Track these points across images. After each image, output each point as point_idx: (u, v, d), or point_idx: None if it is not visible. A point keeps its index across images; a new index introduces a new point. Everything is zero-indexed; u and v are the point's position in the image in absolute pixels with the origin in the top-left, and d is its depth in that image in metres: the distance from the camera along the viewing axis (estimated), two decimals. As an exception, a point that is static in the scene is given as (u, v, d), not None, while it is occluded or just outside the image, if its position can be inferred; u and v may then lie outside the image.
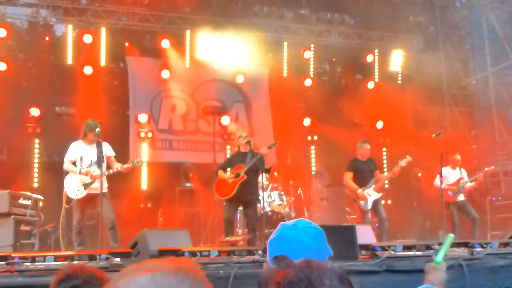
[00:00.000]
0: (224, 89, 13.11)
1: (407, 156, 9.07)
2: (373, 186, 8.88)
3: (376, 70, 13.84)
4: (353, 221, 11.04)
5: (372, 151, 9.48)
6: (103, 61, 11.91)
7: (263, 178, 8.00)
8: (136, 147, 11.53)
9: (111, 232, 7.01)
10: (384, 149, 13.49)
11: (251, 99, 13.31)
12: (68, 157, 7.27)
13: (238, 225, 9.25)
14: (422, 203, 12.95)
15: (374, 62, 13.75)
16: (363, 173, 8.96)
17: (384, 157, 13.36)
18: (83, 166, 7.18)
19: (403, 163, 8.92)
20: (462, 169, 9.87)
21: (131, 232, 7.16)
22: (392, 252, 5.83)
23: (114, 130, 10.75)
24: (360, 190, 8.81)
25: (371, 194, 8.83)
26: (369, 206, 8.79)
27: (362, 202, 8.83)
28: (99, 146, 7.12)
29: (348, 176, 9.02)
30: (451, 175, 9.67)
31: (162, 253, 5.60)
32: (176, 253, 5.52)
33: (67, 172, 7.31)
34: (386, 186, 13.12)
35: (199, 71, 12.87)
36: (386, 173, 9.54)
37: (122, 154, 11.25)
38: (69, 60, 11.63)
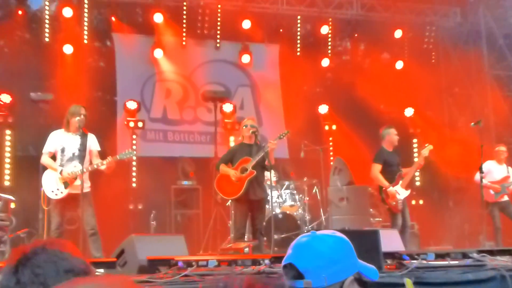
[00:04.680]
0: (227, 71, 13.08)
1: (427, 144, 8.94)
2: (401, 182, 8.75)
3: (406, 48, 13.69)
4: (378, 225, 10.98)
5: (401, 142, 9.38)
6: (86, 39, 11.88)
7: (271, 175, 7.92)
8: (124, 139, 11.51)
9: (92, 239, 7.00)
10: (414, 140, 13.37)
11: (259, 82, 13.28)
12: (47, 149, 7.26)
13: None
14: (460, 204, 12.84)
15: (403, 38, 13.60)
16: (392, 166, 8.83)
17: (415, 150, 13.25)
18: (64, 159, 7.16)
19: (425, 152, 8.82)
20: (510, 167, 9.70)
21: (118, 239, 7.13)
22: (423, 262, 5.78)
23: (99, 120, 10.70)
24: (391, 188, 8.68)
25: (400, 192, 8.71)
26: (400, 206, 8.68)
27: (392, 202, 8.71)
28: (83, 137, 7.10)
29: (377, 168, 8.83)
30: (496, 170, 9.55)
31: (152, 262, 5.59)
32: (168, 262, 5.49)
33: (45, 167, 7.29)
34: (417, 183, 13.07)
35: (198, 50, 12.84)
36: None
37: (109, 148, 11.24)
38: (46, 38, 11.60)
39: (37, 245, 1.63)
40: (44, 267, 1.54)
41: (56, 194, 7.09)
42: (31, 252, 1.58)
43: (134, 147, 11.32)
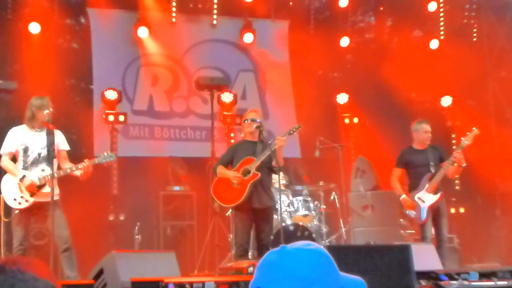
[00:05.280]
0: (226, 53, 13.11)
1: (474, 128, 8.83)
2: (426, 186, 8.70)
3: (442, 24, 13.66)
4: (410, 238, 10.97)
5: (437, 138, 9.35)
6: (56, 16, 11.88)
7: (279, 178, 7.91)
8: (102, 136, 11.54)
9: (65, 256, 7.00)
10: (453, 135, 13.34)
11: (264, 66, 13.30)
12: (7, 148, 7.27)
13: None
14: (508, 212, 12.84)
15: (439, 11, 13.56)
16: (418, 168, 8.82)
17: (453, 146, 13.21)
18: (28, 161, 7.17)
19: (467, 140, 8.65)
20: None
21: (95, 256, 7.16)
22: (464, 282, 5.80)
23: (71, 113, 10.75)
24: (404, 196, 8.71)
25: (424, 199, 8.66)
26: (423, 216, 8.64)
27: (411, 213, 8.70)
28: (49, 134, 7.11)
29: (395, 174, 8.97)
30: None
31: (137, 285, 5.62)
32: (157, 285, 5.53)
33: (4, 171, 7.32)
34: (457, 187, 13.03)
35: (190, 28, 12.84)
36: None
37: (84, 147, 11.29)
38: (9, 14, 11.60)
39: None
40: None
41: (19, 203, 7.08)
42: None
43: (112, 148, 11.32)
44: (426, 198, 8.67)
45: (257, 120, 8.08)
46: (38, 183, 7.07)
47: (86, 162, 7.14)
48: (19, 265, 1.63)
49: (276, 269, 1.75)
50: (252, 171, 7.81)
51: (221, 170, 8.03)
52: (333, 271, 1.82)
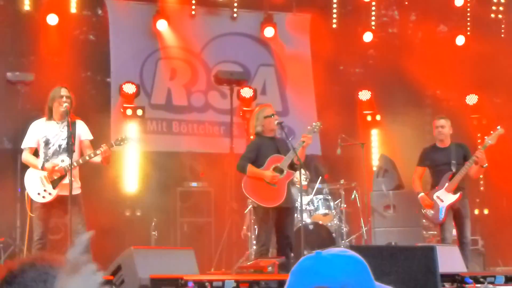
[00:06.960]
0: (247, 47, 13.10)
1: (498, 127, 8.76)
2: (446, 185, 8.70)
3: (469, 18, 13.60)
4: (433, 240, 10.96)
5: (461, 137, 9.32)
6: (73, 7, 11.95)
7: (300, 175, 7.93)
8: (119, 129, 11.53)
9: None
10: (478, 134, 13.27)
11: (285, 61, 13.25)
12: (27, 143, 7.34)
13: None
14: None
15: (466, 6, 13.50)
16: (439, 166, 8.79)
17: (478, 146, 13.14)
18: (49, 153, 7.23)
19: (490, 139, 8.60)
20: None
21: (112, 252, 7.22)
22: (490, 286, 5.79)
23: (88, 106, 10.78)
24: (422, 194, 8.72)
25: (443, 198, 8.62)
26: (441, 215, 8.62)
27: (429, 212, 8.70)
28: (71, 125, 7.17)
29: (416, 172, 9.00)
30: None
31: (156, 282, 5.67)
32: (176, 282, 5.57)
33: (26, 167, 7.40)
34: (481, 188, 12.97)
35: (210, 21, 12.85)
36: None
37: (101, 140, 11.31)
38: (26, 6, 11.68)
39: (26, 261, 1.70)
40: (32, 286, 1.61)
41: (43, 197, 7.14)
42: (19, 269, 1.64)
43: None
44: (445, 197, 8.63)
45: (271, 116, 8.09)
46: (60, 164, 7.13)
47: (103, 147, 7.17)
48: (48, 261, 1.69)
49: (311, 275, 1.77)
50: (285, 170, 7.83)
51: (253, 169, 7.89)
52: (368, 279, 1.84)
